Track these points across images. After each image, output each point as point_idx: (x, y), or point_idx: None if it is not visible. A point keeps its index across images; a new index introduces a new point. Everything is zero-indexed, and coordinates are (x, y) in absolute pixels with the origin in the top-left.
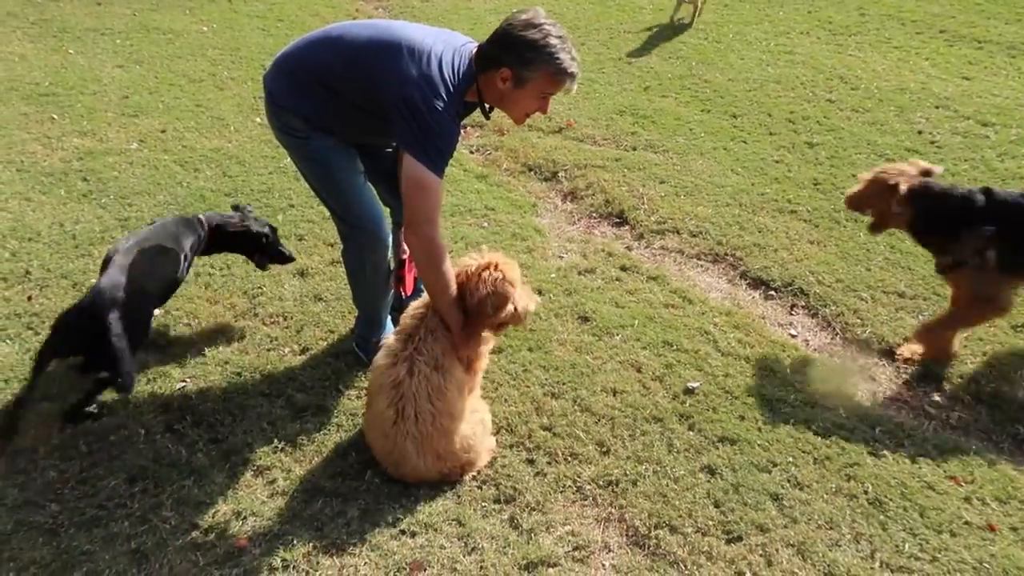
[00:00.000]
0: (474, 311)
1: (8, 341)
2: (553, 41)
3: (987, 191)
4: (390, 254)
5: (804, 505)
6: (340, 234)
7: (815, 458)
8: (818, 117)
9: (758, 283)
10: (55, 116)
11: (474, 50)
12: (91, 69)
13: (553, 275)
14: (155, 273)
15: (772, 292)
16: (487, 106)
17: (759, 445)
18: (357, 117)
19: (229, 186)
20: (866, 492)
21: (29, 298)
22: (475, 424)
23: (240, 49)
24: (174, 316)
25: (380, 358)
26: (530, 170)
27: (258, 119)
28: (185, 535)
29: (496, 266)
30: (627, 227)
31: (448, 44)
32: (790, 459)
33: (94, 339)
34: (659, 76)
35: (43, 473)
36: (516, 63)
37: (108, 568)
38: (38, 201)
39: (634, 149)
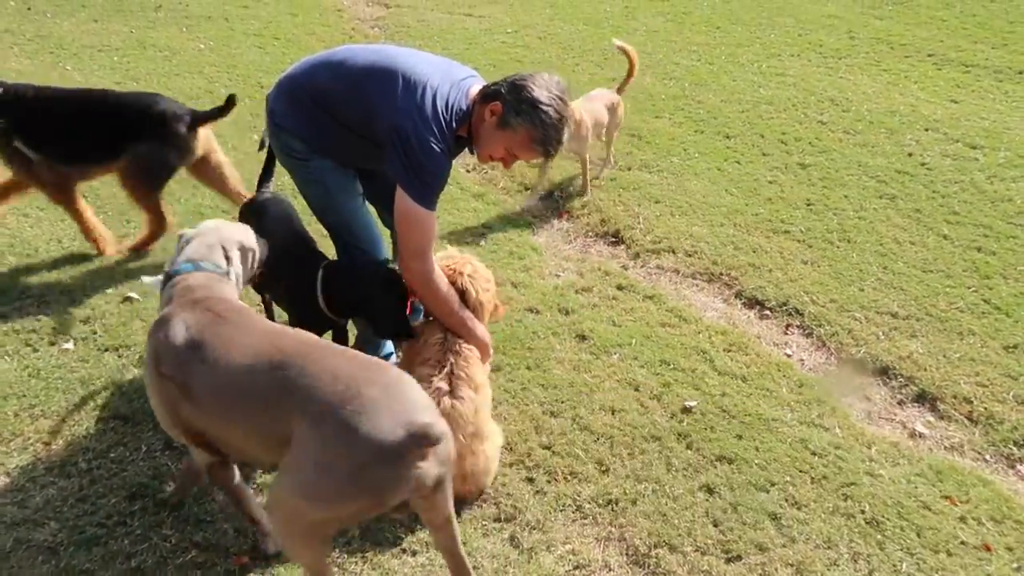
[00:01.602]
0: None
1: (7, 357)
2: (552, 114)
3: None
4: None
5: (802, 525)
6: (338, 256)
7: (812, 477)
8: (810, 138)
9: (753, 303)
10: None
11: (474, 86)
12: (88, 85)
13: (550, 293)
14: None
15: (767, 312)
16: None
17: (757, 464)
18: (354, 143)
19: (227, 203)
20: (863, 512)
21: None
22: (497, 446)
23: (237, 67)
24: None
25: None
26: (526, 189)
27: (254, 136)
28: (185, 553)
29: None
30: (623, 246)
31: (447, 77)
32: (787, 478)
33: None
34: (653, 97)
35: (42, 491)
36: (510, 106)
37: None
38: (37, 217)
39: (629, 169)
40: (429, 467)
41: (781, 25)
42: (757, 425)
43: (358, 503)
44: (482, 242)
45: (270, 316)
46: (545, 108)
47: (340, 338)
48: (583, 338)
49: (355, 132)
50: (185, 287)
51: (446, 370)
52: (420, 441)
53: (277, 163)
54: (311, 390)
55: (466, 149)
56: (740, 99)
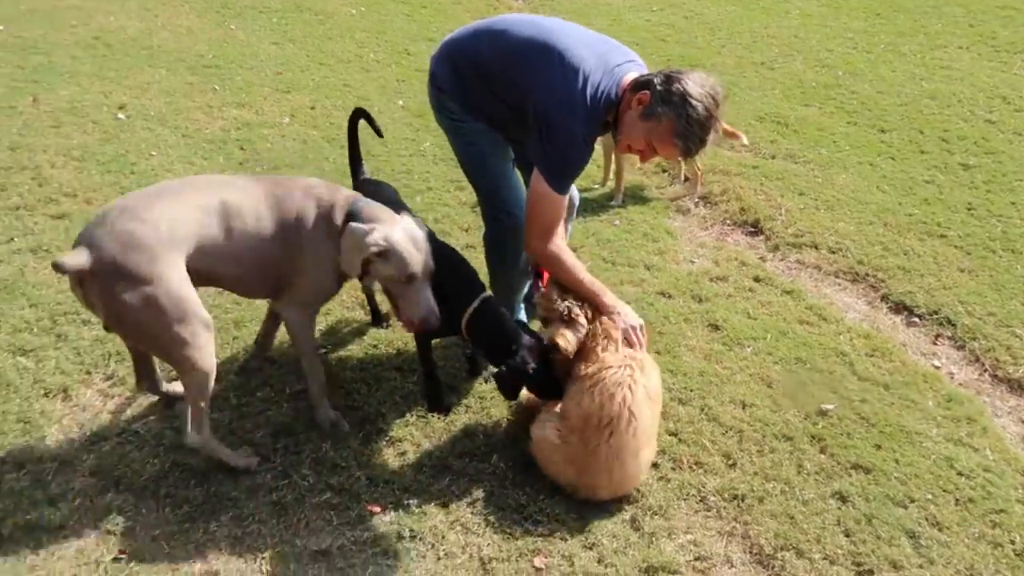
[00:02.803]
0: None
1: None
2: (700, 111)
3: None
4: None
5: (942, 547)
6: (484, 216)
7: (957, 499)
8: (975, 138)
9: (900, 308)
10: (216, 87)
11: (629, 73)
12: (249, 44)
13: (683, 279)
14: None
15: (915, 319)
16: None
17: (896, 478)
18: (504, 113)
19: (371, 165)
20: (1013, 543)
21: None
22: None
23: (385, 33)
24: None
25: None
26: (664, 171)
27: (400, 102)
28: (321, 494)
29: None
30: (762, 237)
31: (602, 62)
32: (929, 496)
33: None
34: (803, 84)
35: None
36: (659, 95)
37: (251, 516)
38: (200, 165)
39: (773, 158)
40: None
41: (949, 15)
42: (898, 436)
43: None
44: (616, 222)
45: (374, 309)
46: (694, 103)
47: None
48: (716, 328)
49: (506, 104)
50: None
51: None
52: None
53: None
54: None
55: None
56: (899, 91)
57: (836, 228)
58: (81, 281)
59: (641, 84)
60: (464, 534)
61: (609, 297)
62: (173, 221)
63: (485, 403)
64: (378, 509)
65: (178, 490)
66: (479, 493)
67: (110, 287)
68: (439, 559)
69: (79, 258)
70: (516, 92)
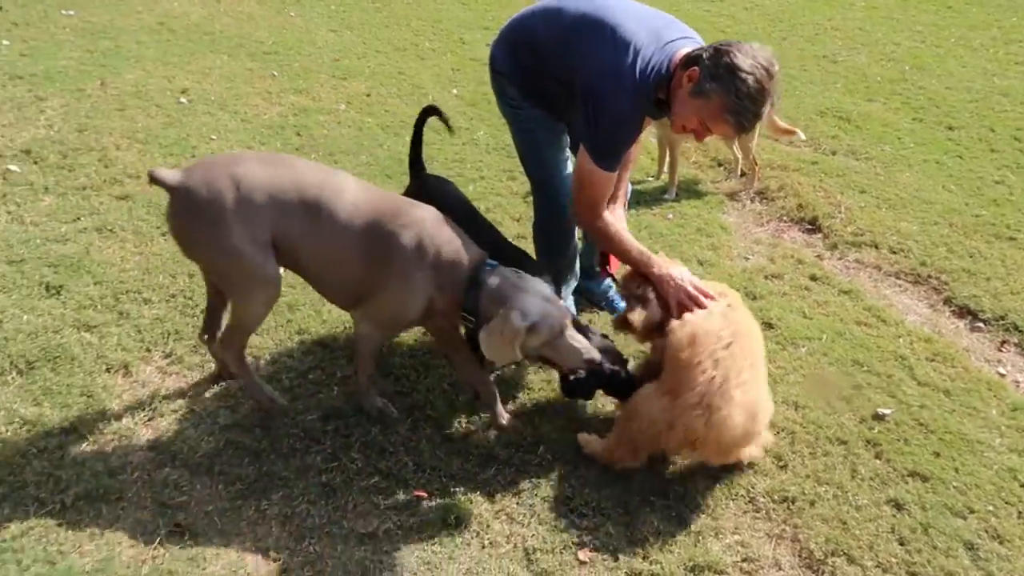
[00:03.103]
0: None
1: None
2: (751, 84)
3: None
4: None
5: (1003, 561)
6: (534, 205)
7: (1020, 511)
8: None
9: (964, 312)
10: (275, 73)
11: (682, 49)
12: (308, 32)
13: (737, 276)
14: None
15: (980, 324)
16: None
17: (955, 487)
18: (558, 94)
19: (425, 152)
20: None
21: None
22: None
23: (441, 21)
24: None
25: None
26: (719, 165)
27: (454, 91)
28: (369, 478)
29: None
30: (820, 235)
31: (655, 37)
32: (990, 508)
33: None
34: (867, 78)
35: (251, 400)
36: (707, 71)
37: (301, 496)
38: (258, 150)
39: (834, 154)
40: None
41: None
42: (959, 445)
43: None
44: (669, 215)
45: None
46: (744, 76)
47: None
48: (770, 326)
49: (558, 81)
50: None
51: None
52: None
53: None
54: None
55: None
56: (969, 87)
57: (898, 228)
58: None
59: (691, 60)
60: (509, 524)
61: (658, 266)
62: (261, 190)
63: (532, 394)
64: (425, 495)
65: (231, 468)
66: (525, 484)
67: (180, 212)
68: (483, 548)
69: (169, 176)
70: (567, 69)
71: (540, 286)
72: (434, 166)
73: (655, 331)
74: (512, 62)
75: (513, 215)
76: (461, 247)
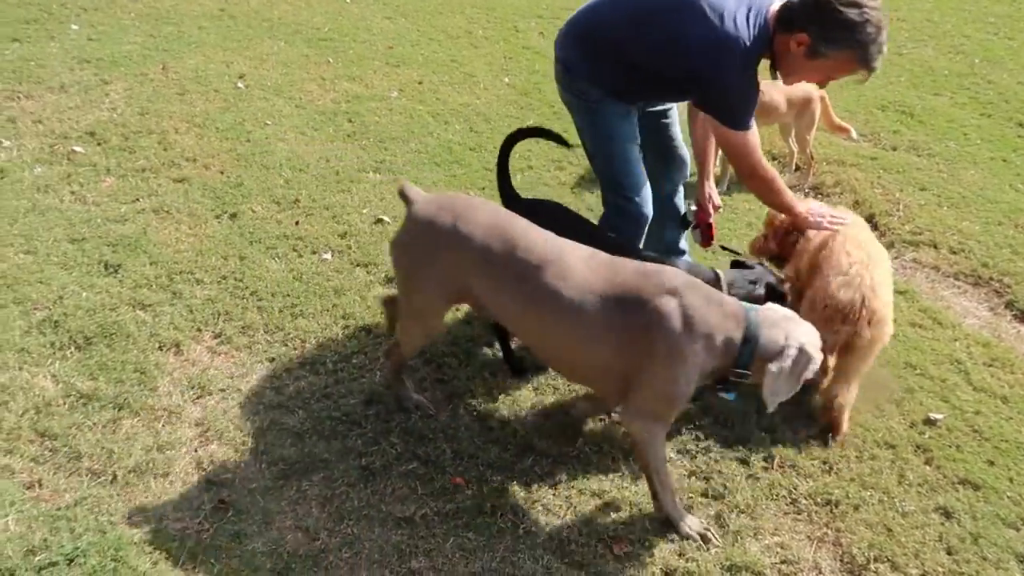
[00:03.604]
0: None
1: (276, 259)
2: (870, 29)
3: None
4: (684, 207)
5: None
6: (604, 201)
7: None
8: None
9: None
10: (330, 60)
11: (774, 5)
12: (363, 19)
13: None
14: None
15: None
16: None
17: (1009, 497)
18: (642, 81)
19: (474, 141)
20: None
21: (296, 223)
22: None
23: (495, 9)
24: None
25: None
26: (774, 159)
27: (506, 79)
28: (408, 463)
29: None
30: (876, 233)
31: None
32: None
33: None
34: (933, 71)
35: (295, 382)
36: (818, 35)
37: (342, 478)
38: (310, 136)
39: (894, 149)
40: None
41: None
42: (1014, 453)
43: None
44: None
45: (511, 360)
46: (860, 28)
47: None
48: None
49: (643, 68)
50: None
51: None
52: None
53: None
54: None
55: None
56: None
57: (960, 227)
58: None
59: (789, 20)
60: (545, 514)
61: (799, 206)
62: (472, 247)
63: (573, 385)
64: (462, 482)
65: (275, 448)
66: (562, 475)
67: (402, 233)
68: (519, 537)
69: (412, 194)
70: (656, 53)
71: (781, 309)
72: (485, 154)
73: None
74: (583, 58)
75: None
76: (723, 303)
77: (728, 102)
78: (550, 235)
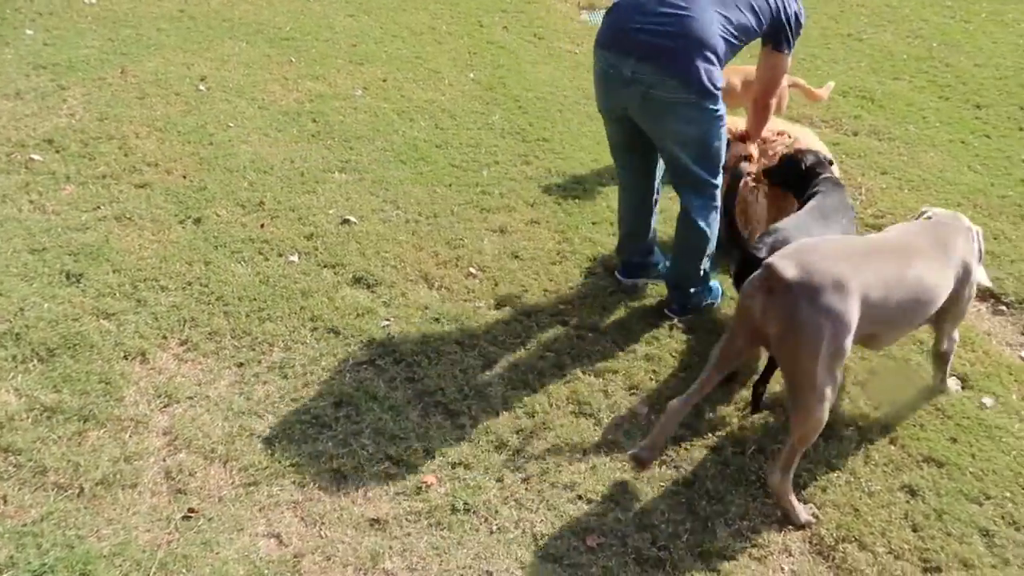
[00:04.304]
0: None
1: (242, 263)
2: None
3: None
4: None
5: (1019, 548)
6: (704, 194)
7: None
8: None
9: (986, 295)
10: (293, 59)
11: None
12: (325, 17)
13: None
14: None
15: (1003, 307)
16: None
17: (971, 473)
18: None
19: (440, 138)
20: None
21: (262, 226)
22: None
23: (459, 4)
24: (383, 258)
25: None
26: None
27: (471, 75)
28: (379, 464)
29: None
30: None
31: None
32: (1007, 494)
33: None
34: (892, 56)
35: (264, 386)
36: None
37: (312, 482)
38: (274, 137)
39: (855, 134)
40: None
41: None
42: (976, 430)
43: None
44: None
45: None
46: None
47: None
48: None
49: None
50: None
51: None
52: None
53: None
54: None
55: None
56: (999, 64)
57: (920, 210)
58: (770, 288)
59: None
60: (518, 509)
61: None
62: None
63: (544, 379)
64: (434, 481)
65: (244, 454)
66: (534, 469)
67: (793, 303)
68: (492, 533)
69: (789, 272)
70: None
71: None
72: (450, 150)
73: None
74: (663, 61)
75: (527, 200)
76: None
77: (798, 30)
78: (871, 235)
